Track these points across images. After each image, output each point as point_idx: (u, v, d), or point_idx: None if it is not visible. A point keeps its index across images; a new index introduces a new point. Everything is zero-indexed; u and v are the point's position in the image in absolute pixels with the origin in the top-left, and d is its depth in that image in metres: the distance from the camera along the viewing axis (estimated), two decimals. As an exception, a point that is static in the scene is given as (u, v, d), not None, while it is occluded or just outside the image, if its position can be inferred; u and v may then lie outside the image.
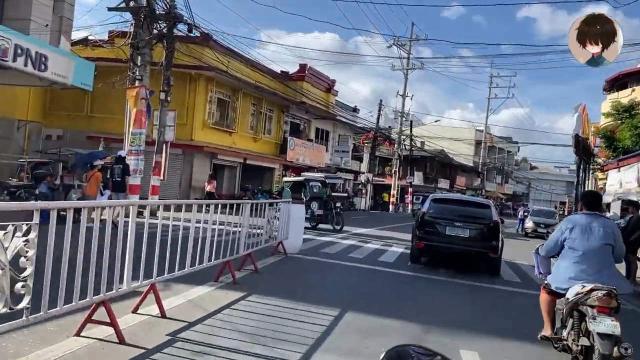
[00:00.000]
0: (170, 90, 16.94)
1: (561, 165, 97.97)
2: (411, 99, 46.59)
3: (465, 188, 58.08)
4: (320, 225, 17.15)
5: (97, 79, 20.70)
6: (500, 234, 10.30)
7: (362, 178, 40.48)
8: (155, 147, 16.86)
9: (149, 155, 16.87)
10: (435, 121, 49.48)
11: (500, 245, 10.15)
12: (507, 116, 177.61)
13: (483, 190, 59.54)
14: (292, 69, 30.98)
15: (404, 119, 43.13)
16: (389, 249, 13.28)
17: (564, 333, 4.50)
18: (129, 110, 16.18)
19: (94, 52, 19.09)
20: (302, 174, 24.70)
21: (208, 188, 23.08)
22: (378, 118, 38.62)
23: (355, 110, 39.98)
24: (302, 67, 30.31)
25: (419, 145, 48.17)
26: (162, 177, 16.94)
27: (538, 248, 5.19)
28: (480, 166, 60.92)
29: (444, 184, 53.49)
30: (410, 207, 39.14)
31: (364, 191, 39.77)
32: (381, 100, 39.39)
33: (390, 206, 40.92)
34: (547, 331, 4.83)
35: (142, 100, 16.01)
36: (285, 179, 22.64)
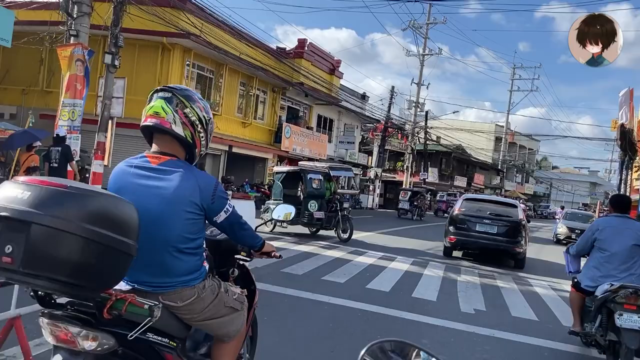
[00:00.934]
0: (119, 52, 13.30)
1: (581, 166, 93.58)
2: (427, 87, 42.66)
3: (483, 186, 54.04)
4: (322, 232, 13.34)
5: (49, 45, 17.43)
6: (525, 231, 11.30)
7: (371, 173, 36.62)
8: (99, 123, 13.33)
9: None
10: (454, 112, 45.35)
11: (524, 241, 11.16)
12: (526, 116, 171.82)
13: (502, 190, 55.45)
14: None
15: (418, 109, 39.20)
16: (388, 266, 9.51)
17: (593, 328, 4.53)
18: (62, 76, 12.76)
19: (44, 15, 15.62)
20: (299, 163, 20.67)
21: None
22: (389, 106, 34.53)
23: (364, 97, 35.96)
24: (302, 42, 26.31)
25: (434, 139, 43.90)
26: (105, 162, 13.43)
27: (568, 247, 5.24)
28: (500, 163, 56.66)
29: (460, 181, 49.25)
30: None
31: (371, 187, 35.84)
32: (393, 87, 35.20)
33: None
34: (576, 327, 4.89)
35: (78, 62, 12.51)
36: (275, 169, 18.17)
